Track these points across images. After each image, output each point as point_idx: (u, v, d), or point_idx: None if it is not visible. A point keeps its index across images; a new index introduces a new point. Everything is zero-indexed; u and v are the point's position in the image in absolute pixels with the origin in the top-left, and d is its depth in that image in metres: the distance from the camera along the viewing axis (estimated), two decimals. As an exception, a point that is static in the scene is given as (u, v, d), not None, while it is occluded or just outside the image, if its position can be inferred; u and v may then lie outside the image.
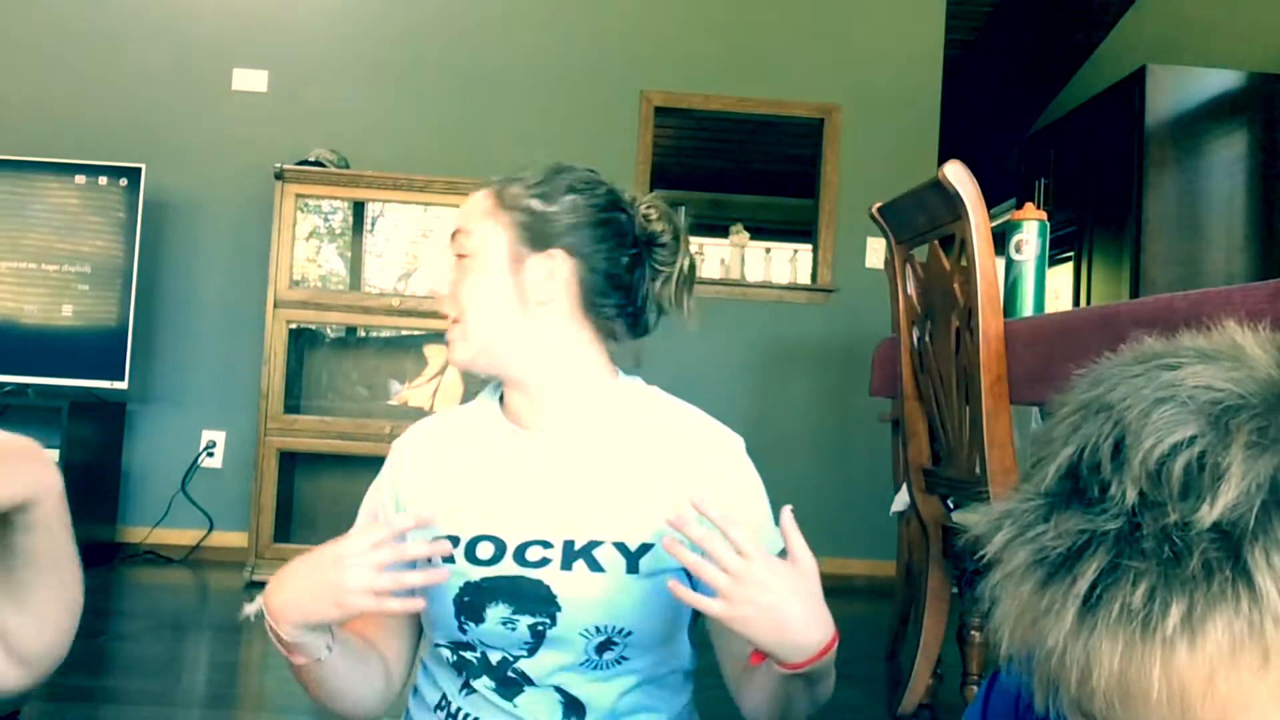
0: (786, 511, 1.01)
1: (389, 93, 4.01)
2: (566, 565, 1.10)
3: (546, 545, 1.11)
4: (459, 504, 1.15)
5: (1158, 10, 4.95)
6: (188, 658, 2.66)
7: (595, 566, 1.10)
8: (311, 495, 3.72)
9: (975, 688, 2.17)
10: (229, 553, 3.74)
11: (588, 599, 1.09)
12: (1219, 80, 3.94)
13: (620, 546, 1.10)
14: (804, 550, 1.00)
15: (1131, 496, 0.49)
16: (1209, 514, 0.47)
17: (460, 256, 1.19)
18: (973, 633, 2.20)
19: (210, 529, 3.79)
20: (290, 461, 3.57)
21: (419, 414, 3.71)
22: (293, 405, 3.56)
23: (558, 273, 1.14)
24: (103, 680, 2.35)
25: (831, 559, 3.94)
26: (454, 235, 1.20)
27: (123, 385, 3.48)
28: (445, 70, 4.03)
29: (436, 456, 1.20)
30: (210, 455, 3.84)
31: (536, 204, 1.17)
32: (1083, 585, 0.48)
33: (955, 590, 2.23)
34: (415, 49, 4.03)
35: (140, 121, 3.90)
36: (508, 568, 1.11)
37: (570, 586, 1.09)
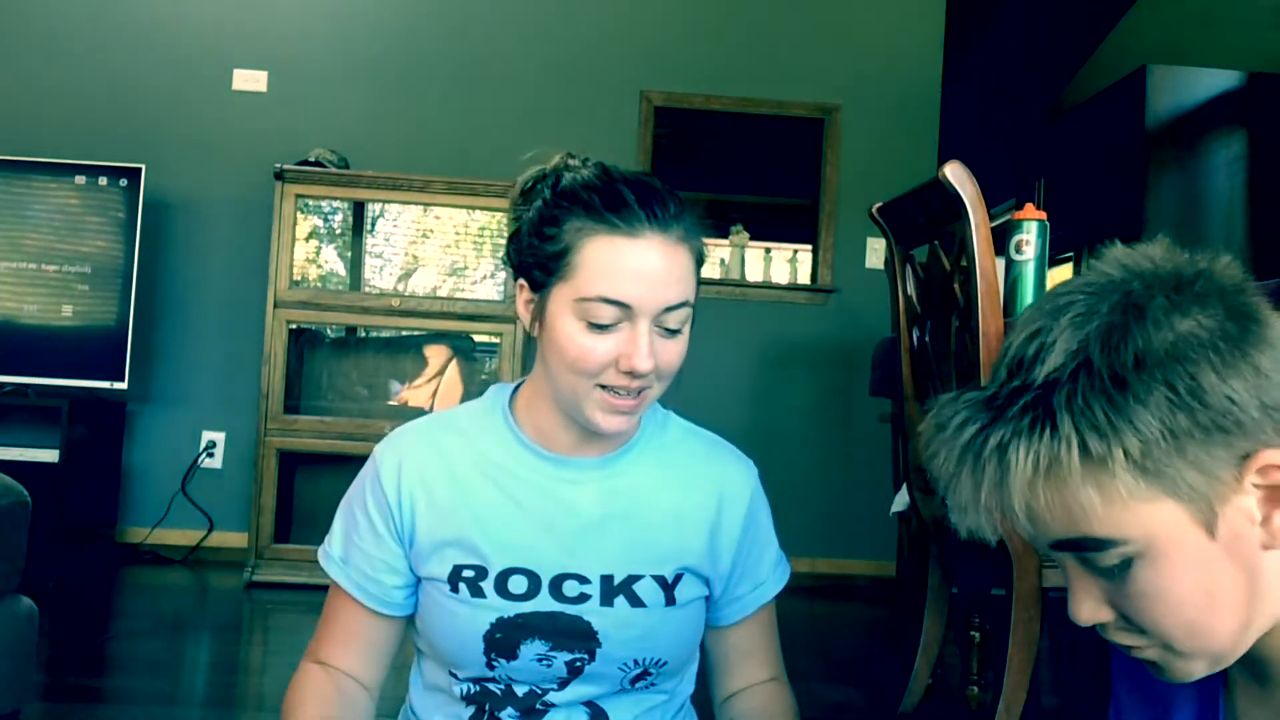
0: None
1: (389, 93, 4.01)
2: (607, 601, 1.08)
3: (583, 580, 1.08)
4: (484, 533, 1.08)
5: (1158, 10, 4.95)
6: (188, 658, 2.65)
7: (636, 602, 1.08)
8: (311, 495, 3.72)
9: (975, 688, 2.18)
10: (229, 553, 3.74)
11: (630, 635, 1.07)
12: (1219, 80, 3.94)
13: (659, 579, 1.10)
14: None
15: (1001, 376, 0.71)
16: (1039, 375, 0.68)
17: (671, 332, 1.05)
18: (972, 633, 2.20)
19: (210, 529, 3.79)
20: (290, 461, 3.57)
21: (419, 414, 3.71)
22: (293, 405, 3.56)
23: None
24: (103, 680, 2.35)
25: (831, 559, 3.94)
26: (674, 309, 1.03)
27: (123, 385, 3.48)
28: (445, 70, 4.03)
29: (449, 476, 1.11)
30: (210, 455, 3.84)
31: (702, 247, 1.10)
32: (964, 436, 0.69)
33: (955, 590, 2.23)
34: (415, 49, 4.03)
35: (140, 121, 3.90)
36: (544, 603, 1.07)
37: (612, 623, 1.07)
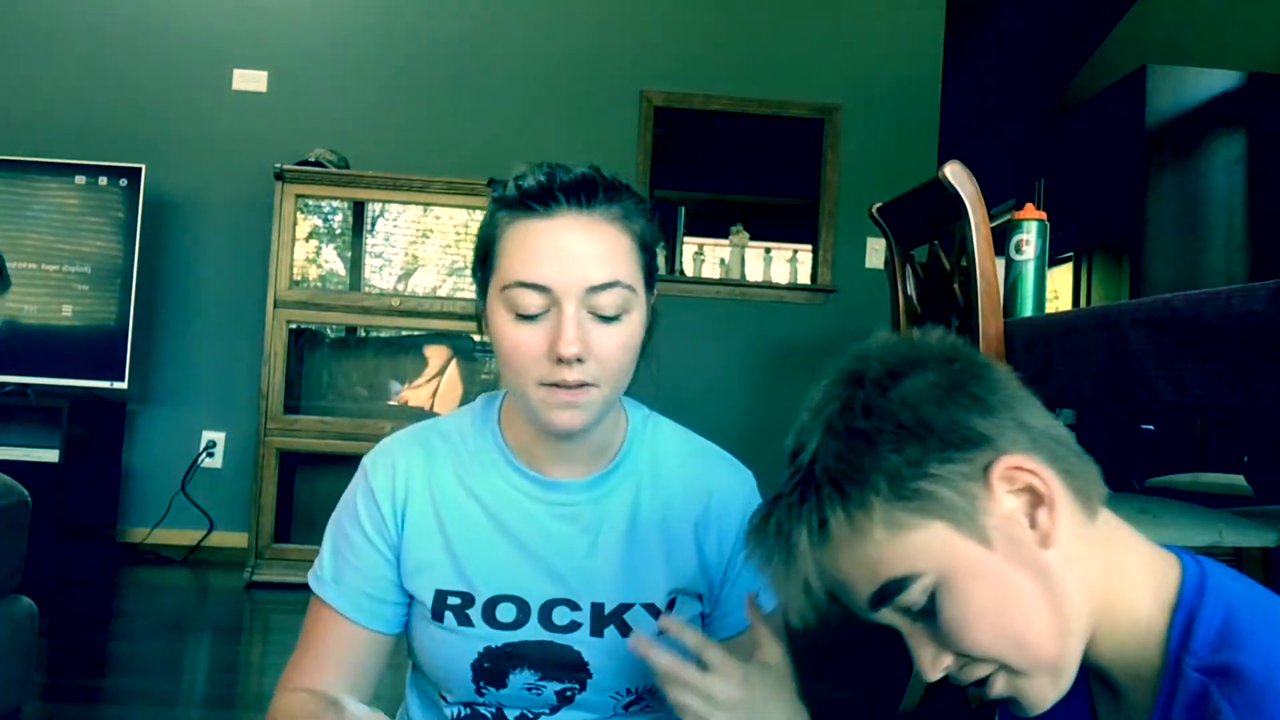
0: (749, 601, 0.99)
1: (389, 93, 4.01)
2: (597, 631, 1.05)
3: (574, 606, 1.05)
4: (471, 557, 1.05)
5: (1158, 10, 4.95)
6: (188, 658, 2.66)
7: (627, 631, 1.05)
8: (311, 495, 3.72)
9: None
10: (229, 553, 3.73)
11: (621, 666, 1.04)
12: (1219, 80, 3.94)
13: (649, 608, 1.06)
14: (773, 646, 0.97)
15: (782, 476, 0.80)
16: (805, 459, 0.77)
17: (607, 319, 0.98)
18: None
19: (210, 529, 3.79)
20: (290, 461, 3.57)
21: (419, 414, 3.71)
22: (293, 405, 3.56)
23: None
24: (103, 680, 2.35)
25: (831, 559, 3.94)
26: (601, 289, 0.97)
27: (123, 385, 3.48)
28: (445, 70, 4.03)
29: (439, 492, 1.07)
30: (210, 455, 3.84)
31: (650, 231, 1.04)
32: (757, 530, 0.78)
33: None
34: (415, 49, 4.03)
35: (140, 121, 3.90)
36: (533, 631, 1.04)
37: (603, 653, 1.04)
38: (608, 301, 0.97)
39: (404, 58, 4.02)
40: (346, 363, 3.89)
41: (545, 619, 1.04)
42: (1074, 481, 0.75)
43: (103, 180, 3.54)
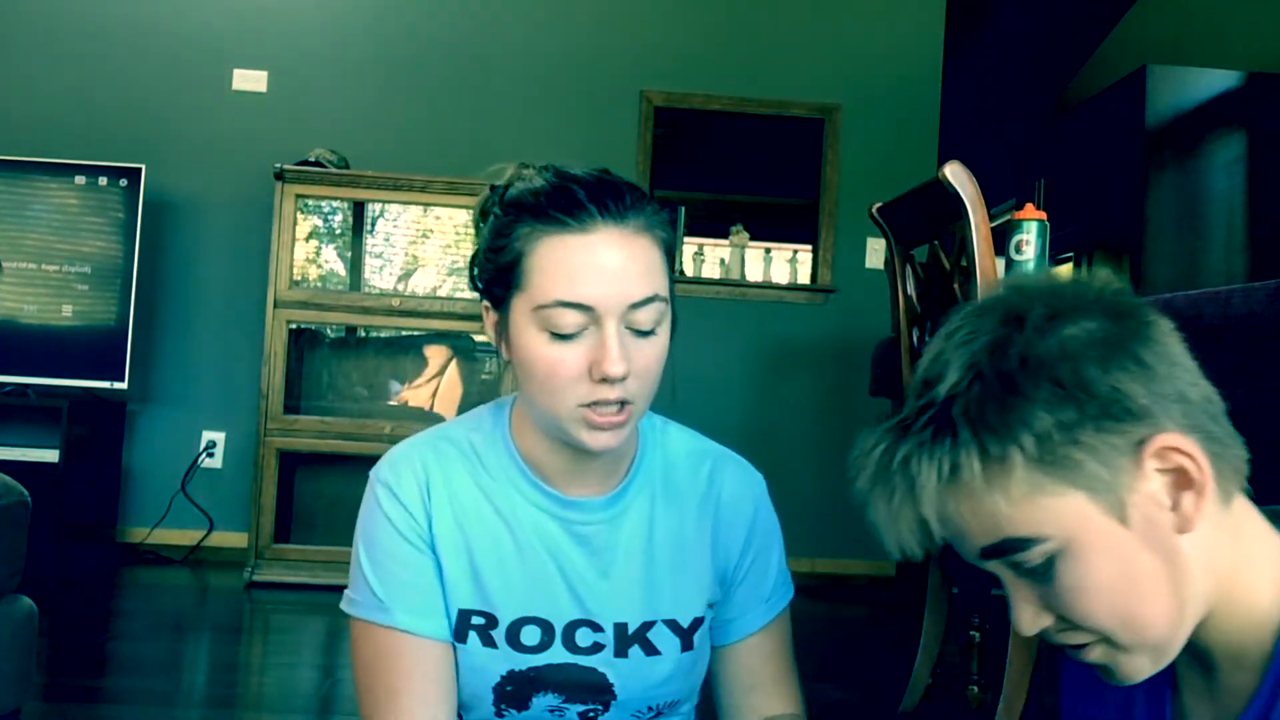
0: None
1: (389, 93, 4.01)
2: (621, 652, 1.02)
3: (596, 628, 1.02)
4: (493, 576, 1.01)
5: (1158, 10, 4.95)
6: (188, 658, 2.66)
7: (651, 650, 1.03)
8: (312, 495, 3.72)
9: (975, 688, 2.17)
10: (229, 553, 3.73)
11: (645, 685, 1.03)
12: (1219, 80, 3.94)
13: (672, 625, 1.04)
14: None
15: (910, 400, 0.75)
16: (941, 392, 0.72)
17: (644, 333, 0.95)
18: (972, 633, 2.20)
19: (210, 529, 3.79)
20: (290, 461, 3.57)
21: (419, 413, 3.71)
22: (293, 405, 3.55)
23: None
24: (103, 680, 2.35)
25: (831, 559, 3.94)
26: (641, 305, 0.94)
27: (123, 385, 3.48)
28: (445, 70, 4.03)
29: (462, 503, 1.03)
30: (210, 455, 3.84)
31: (670, 236, 1.01)
32: (875, 455, 0.74)
33: (955, 590, 2.23)
34: (415, 49, 4.03)
35: (140, 121, 3.90)
36: (557, 654, 1.01)
37: (627, 674, 1.02)
38: (646, 317, 0.94)
39: (404, 58, 4.02)
40: (346, 363, 3.89)
41: (569, 641, 1.02)
42: (1221, 465, 0.71)
43: (103, 180, 3.54)
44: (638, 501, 1.05)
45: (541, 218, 0.93)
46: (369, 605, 1.01)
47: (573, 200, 0.93)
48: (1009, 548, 0.71)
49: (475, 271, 1.01)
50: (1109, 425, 0.68)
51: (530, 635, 1.01)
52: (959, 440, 0.70)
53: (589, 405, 0.93)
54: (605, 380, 0.92)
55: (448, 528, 1.02)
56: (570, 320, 0.92)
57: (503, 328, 0.98)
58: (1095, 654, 0.74)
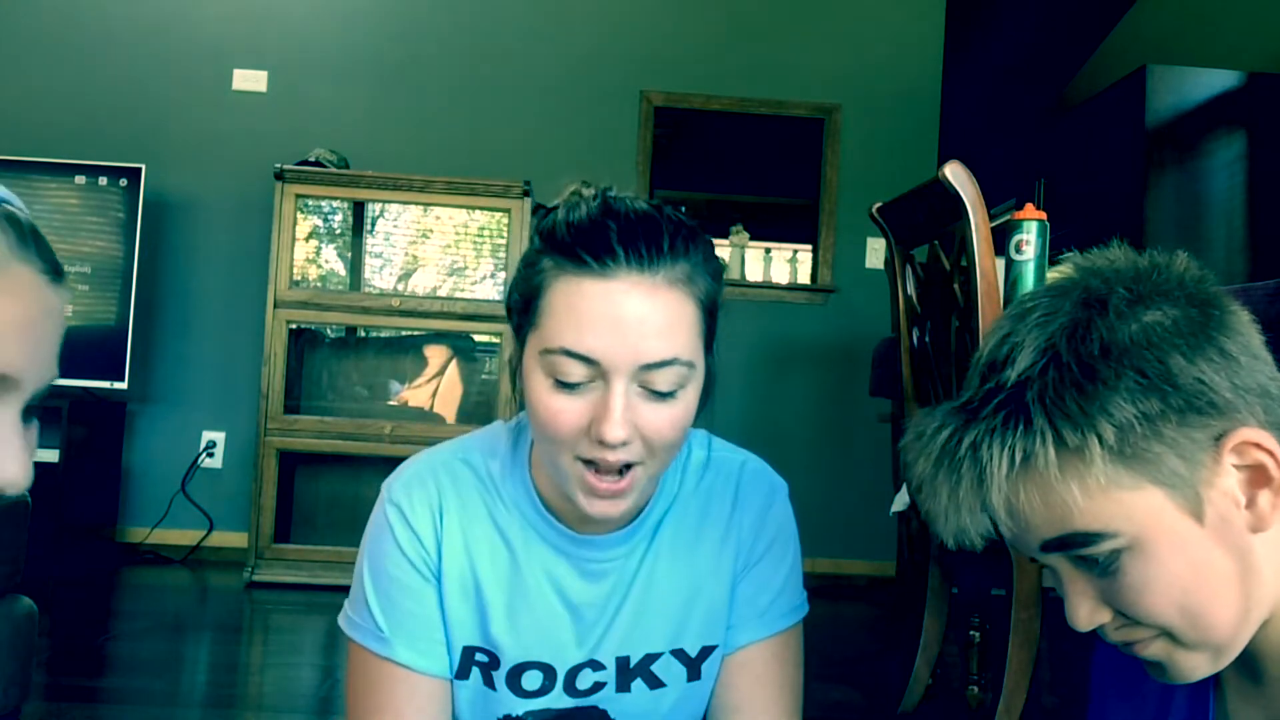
0: None
1: (389, 93, 4.01)
2: (623, 686, 0.97)
3: (598, 666, 0.97)
4: (499, 615, 0.96)
5: (1158, 10, 4.95)
6: (188, 658, 2.65)
7: (654, 683, 0.98)
8: (312, 495, 3.72)
9: (975, 688, 2.17)
10: (229, 553, 3.73)
11: (648, 718, 0.98)
12: (1219, 80, 3.94)
13: (679, 654, 0.98)
14: None
15: (975, 382, 0.71)
16: (1011, 376, 0.68)
17: (660, 395, 0.86)
18: (972, 633, 2.20)
19: (210, 529, 3.79)
20: (290, 461, 3.57)
21: (419, 413, 3.71)
22: (293, 405, 3.55)
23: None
24: (103, 680, 2.35)
25: (831, 559, 3.94)
26: (656, 367, 0.85)
27: (123, 385, 3.48)
28: (445, 70, 4.03)
29: (472, 533, 0.97)
30: (210, 455, 3.84)
31: (716, 292, 0.91)
32: (940, 439, 0.69)
33: (955, 590, 2.23)
34: (415, 49, 4.03)
35: (140, 121, 3.90)
36: (558, 699, 0.97)
37: (630, 709, 0.98)
38: (662, 379, 0.85)
39: (404, 58, 4.02)
40: (346, 363, 3.89)
41: (570, 685, 0.97)
42: None
43: (103, 180, 3.54)
44: (653, 534, 0.99)
45: (565, 254, 0.85)
46: (369, 633, 0.97)
47: (601, 239, 0.84)
48: (1075, 542, 0.68)
49: (507, 296, 0.95)
50: (1192, 418, 0.66)
51: (532, 680, 0.97)
52: (1033, 427, 0.66)
53: (586, 462, 0.86)
54: (604, 443, 0.84)
55: (457, 560, 0.96)
56: (575, 370, 0.84)
57: (516, 361, 0.91)
58: (1153, 649, 0.71)
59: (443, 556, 0.96)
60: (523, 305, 0.89)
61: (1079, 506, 0.66)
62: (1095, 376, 0.66)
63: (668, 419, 0.86)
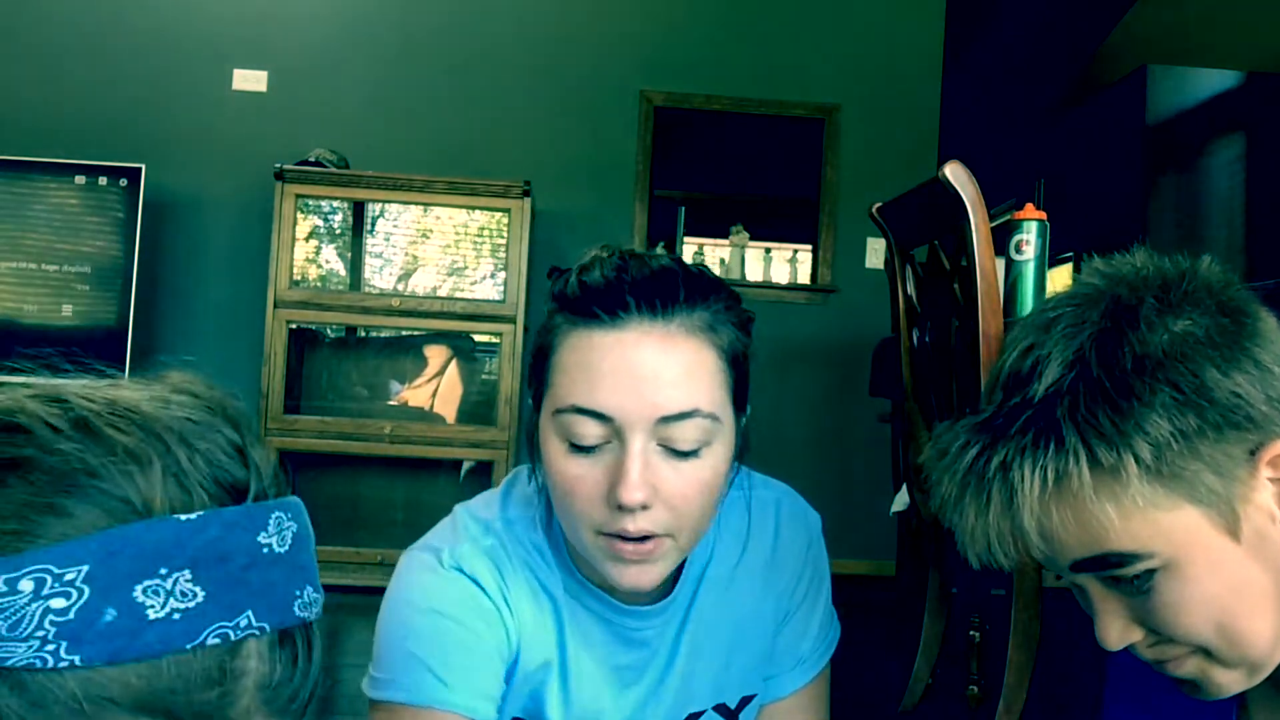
0: None
1: (389, 93, 4.01)
2: None
3: None
4: (544, 684, 0.91)
5: (1158, 10, 4.95)
6: (188, 658, 2.64)
7: None
8: (312, 495, 3.70)
9: (975, 688, 2.18)
10: (229, 553, 3.73)
11: None
12: (1219, 80, 3.94)
13: (721, 709, 0.95)
14: None
15: (998, 396, 0.67)
16: (1038, 390, 0.64)
17: (682, 454, 0.80)
18: (972, 633, 2.20)
19: (210, 529, 3.79)
20: (290, 461, 3.57)
21: (419, 413, 3.71)
22: (293, 405, 3.55)
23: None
24: (103, 680, 2.34)
25: (831, 559, 3.94)
26: (675, 420, 0.79)
27: (123, 385, 3.47)
28: (445, 70, 4.03)
29: (521, 604, 0.90)
30: (210, 455, 3.84)
31: (742, 342, 0.85)
32: (966, 460, 0.66)
33: (955, 590, 2.23)
34: (416, 50, 4.03)
35: (140, 121, 3.90)
36: None
37: None
38: (683, 435, 0.79)
39: (404, 58, 4.02)
40: (346, 363, 3.89)
41: None
42: None
43: (103, 180, 3.54)
44: (693, 595, 0.94)
45: (576, 309, 0.80)
46: (437, 685, 0.85)
47: (611, 291, 0.79)
48: (1109, 562, 0.65)
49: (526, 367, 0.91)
50: (1229, 433, 0.63)
51: None
52: (1065, 446, 0.63)
53: (609, 535, 0.80)
54: (622, 508, 0.78)
55: (520, 633, 0.90)
56: (589, 430, 0.79)
57: (534, 430, 0.85)
58: (1188, 667, 0.68)
59: (508, 629, 0.89)
60: (537, 369, 0.84)
61: (1114, 527, 0.64)
62: (1129, 392, 0.62)
63: (693, 480, 0.80)
